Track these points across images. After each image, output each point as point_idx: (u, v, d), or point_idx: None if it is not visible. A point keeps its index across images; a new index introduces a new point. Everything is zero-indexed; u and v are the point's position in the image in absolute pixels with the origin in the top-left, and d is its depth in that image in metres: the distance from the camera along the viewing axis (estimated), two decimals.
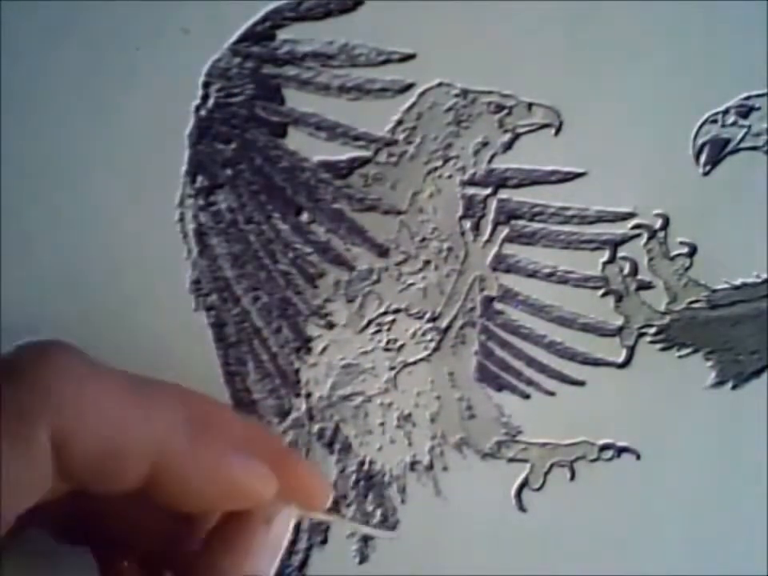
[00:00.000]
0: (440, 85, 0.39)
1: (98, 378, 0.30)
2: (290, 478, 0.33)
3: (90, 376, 0.30)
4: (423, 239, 0.40)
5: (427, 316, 0.40)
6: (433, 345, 0.40)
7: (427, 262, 0.40)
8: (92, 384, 0.30)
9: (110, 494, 0.30)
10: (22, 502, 0.28)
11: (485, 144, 0.40)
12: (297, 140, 0.39)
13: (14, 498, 0.28)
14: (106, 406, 0.29)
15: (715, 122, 0.39)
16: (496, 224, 0.40)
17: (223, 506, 0.32)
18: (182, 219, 0.39)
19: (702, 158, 0.39)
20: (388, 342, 0.40)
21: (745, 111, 0.39)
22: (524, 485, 0.40)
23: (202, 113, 0.39)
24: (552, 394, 0.40)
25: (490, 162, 0.40)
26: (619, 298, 0.40)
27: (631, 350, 0.40)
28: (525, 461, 0.40)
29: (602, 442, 0.40)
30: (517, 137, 0.39)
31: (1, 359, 0.30)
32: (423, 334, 0.40)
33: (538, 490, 0.40)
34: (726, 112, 0.39)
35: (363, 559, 0.40)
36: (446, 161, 0.40)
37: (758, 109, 0.39)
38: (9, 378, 0.29)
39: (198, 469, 0.31)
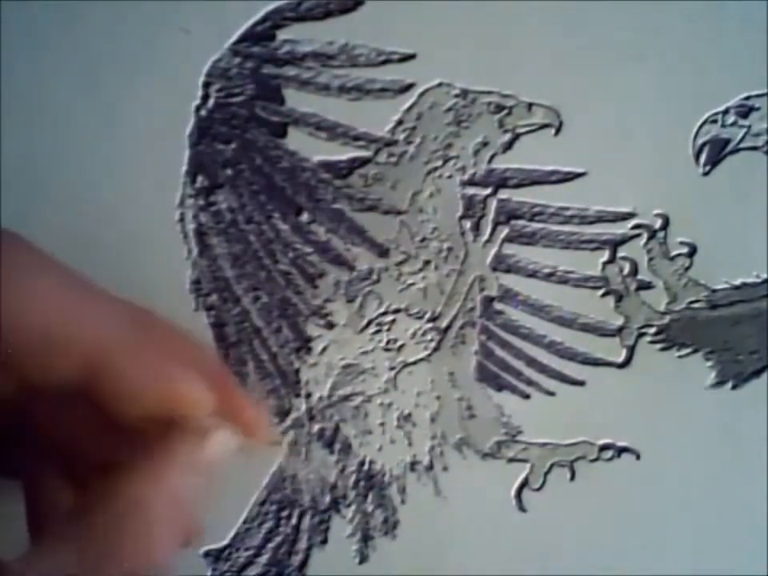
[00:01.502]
0: (440, 85, 0.39)
1: (47, 269, 0.30)
2: (228, 402, 0.33)
3: (38, 266, 0.30)
4: (423, 239, 0.40)
5: (427, 316, 0.40)
6: (433, 345, 0.40)
7: (427, 262, 0.40)
8: (39, 274, 0.30)
9: (49, 385, 0.30)
10: None
11: (485, 144, 0.40)
12: (297, 140, 0.39)
13: None
14: (51, 295, 0.30)
15: (715, 122, 0.39)
16: (496, 224, 0.40)
17: (159, 410, 0.31)
18: (182, 219, 0.39)
19: (702, 158, 0.39)
20: (388, 342, 0.40)
21: (745, 111, 0.39)
22: (524, 485, 0.40)
23: (202, 113, 0.39)
24: (552, 394, 0.40)
25: (490, 162, 0.40)
26: (619, 298, 0.40)
27: (631, 350, 0.40)
28: (525, 461, 0.40)
29: (601, 442, 0.40)
30: (517, 137, 0.39)
31: None
32: (423, 334, 0.40)
33: (538, 490, 0.40)
34: (725, 112, 0.39)
35: (363, 559, 0.40)
36: (446, 161, 0.40)
37: (758, 109, 0.39)
38: None
39: (137, 369, 0.30)
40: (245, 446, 0.34)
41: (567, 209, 0.40)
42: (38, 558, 0.29)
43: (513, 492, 0.40)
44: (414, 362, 0.40)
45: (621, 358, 0.40)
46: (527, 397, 0.40)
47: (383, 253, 0.40)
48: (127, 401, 0.31)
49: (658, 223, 0.40)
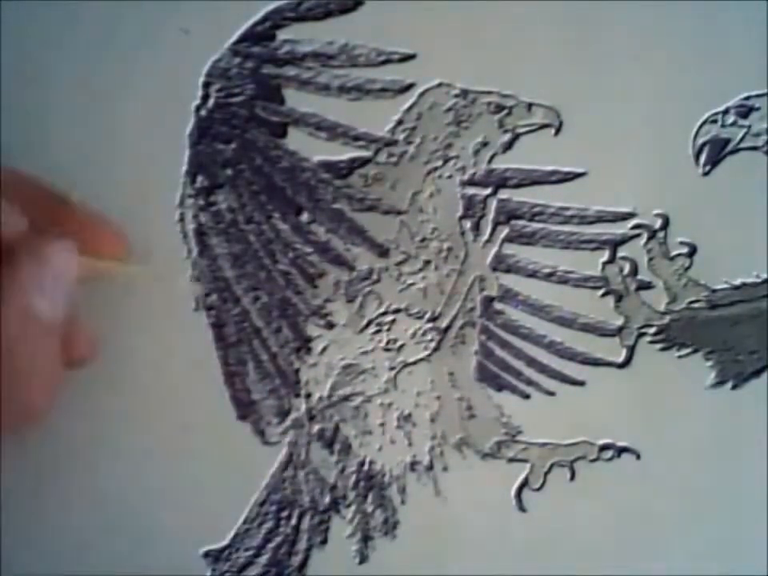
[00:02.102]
0: (440, 85, 0.39)
1: None
2: (67, 222, 0.35)
3: None
4: (423, 239, 0.40)
5: (427, 316, 0.40)
6: (433, 345, 0.40)
7: (427, 262, 0.40)
8: None
9: None
10: None
11: (485, 144, 0.40)
12: (297, 140, 0.39)
13: None
14: None
15: (715, 122, 0.39)
16: (496, 224, 0.40)
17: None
18: (182, 219, 0.39)
19: (702, 158, 0.39)
20: (388, 342, 0.40)
21: (745, 111, 0.39)
22: (524, 485, 0.40)
23: (202, 113, 0.39)
24: (552, 394, 0.40)
25: (490, 162, 0.40)
26: (619, 298, 0.40)
27: (631, 350, 0.40)
28: (525, 461, 0.40)
29: (601, 441, 0.40)
30: (517, 137, 0.39)
31: None
32: (423, 334, 0.40)
33: (538, 490, 0.40)
34: (725, 112, 0.39)
35: (363, 559, 0.40)
36: (446, 161, 0.40)
37: (758, 109, 0.39)
38: None
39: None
40: (94, 264, 0.36)
41: (567, 209, 0.40)
42: None
43: (513, 492, 0.40)
44: (414, 362, 0.40)
45: (621, 358, 0.40)
46: (527, 397, 0.40)
47: (383, 253, 0.40)
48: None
49: (658, 223, 0.40)
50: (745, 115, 0.39)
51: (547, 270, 0.40)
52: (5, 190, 0.33)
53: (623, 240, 0.40)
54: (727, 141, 0.39)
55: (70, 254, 0.34)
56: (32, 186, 0.36)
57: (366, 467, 0.40)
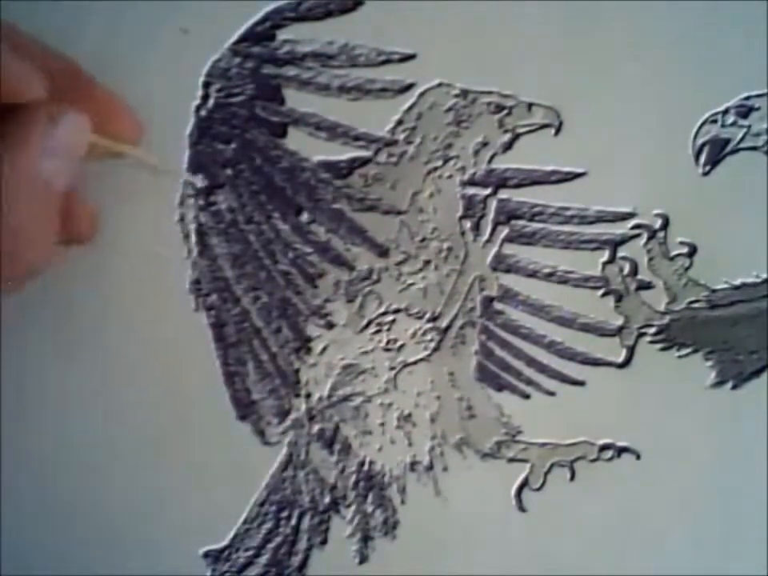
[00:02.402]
0: (440, 85, 0.39)
1: None
2: (87, 95, 0.36)
3: None
4: (423, 239, 0.40)
5: (427, 316, 0.40)
6: (433, 345, 0.40)
7: (427, 262, 0.40)
8: None
9: None
10: None
11: (485, 144, 0.40)
12: (297, 140, 0.39)
13: None
14: None
15: (715, 122, 0.39)
16: (496, 224, 0.40)
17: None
18: (182, 219, 0.39)
19: (702, 158, 0.39)
20: (388, 342, 0.40)
21: (745, 111, 0.39)
22: (524, 485, 0.40)
23: (202, 113, 0.39)
24: (552, 393, 0.40)
25: (490, 162, 0.40)
26: (619, 298, 0.40)
27: (631, 350, 0.40)
28: (525, 461, 0.40)
29: (601, 441, 0.40)
30: (517, 137, 0.39)
31: None
32: (423, 334, 0.40)
33: (538, 490, 0.40)
34: (725, 112, 0.39)
35: (363, 559, 0.40)
36: (446, 161, 0.40)
37: (758, 109, 0.39)
38: None
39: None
40: (106, 143, 0.36)
41: (567, 209, 0.40)
42: None
43: (513, 492, 0.40)
44: (414, 362, 0.40)
45: (621, 358, 0.40)
46: (527, 397, 0.40)
47: (383, 253, 0.40)
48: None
49: (658, 223, 0.40)
50: (745, 115, 0.39)
51: (547, 270, 0.40)
52: (30, 56, 0.34)
53: (623, 240, 0.40)
54: (727, 141, 0.39)
55: (84, 125, 0.35)
56: (56, 57, 0.36)
57: (365, 467, 0.40)
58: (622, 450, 0.40)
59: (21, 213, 0.33)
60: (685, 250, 0.40)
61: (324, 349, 0.40)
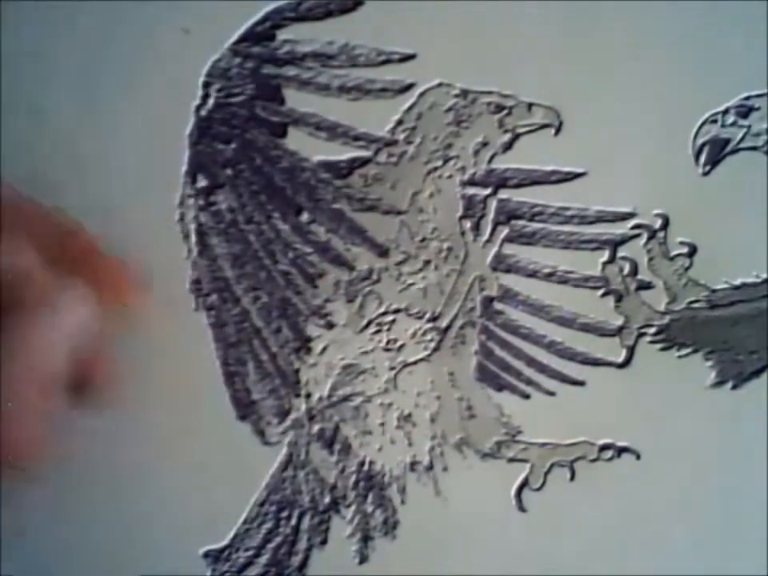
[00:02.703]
0: (440, 85, 0.39)
1: None
2: (82, 258, 0.33)
3: None
4: (423, 239, 0.40)
5: (427, 316, 0.40)
6: (433, 345, 0.40)
7: (427, 262, 0.40)
8: None
9: None
10: None
11: (485, 144, 0.40)
12: (297, 140, 0.39)
13: None
14: None
15: (715, 122, 0.39)
16: (496, 224, 0.40)
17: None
18: (182, 219, 0.39)
19: (702, 158, 0.39)
20: (388, 342, 0.40)
21: (745, 111, 0.39)
22: (524, 485, 0.40)
23: (202, 113, 0.39)
24: (552, 393, 0.40)
25: (490, 162, 0.40)
26: (619, 298, 0.40)
27: (631, 350, 0.40)
28: (525, 461, 0.40)
29: (601, 441, 0.40)
30: (517, 137, 0.39)
31: None
32: (423, 334, 0.40)
33: (538, 489, 0.40)
34: (725, 112, 0.39)
35: (363, 559, 0.40)
36: (446, 161, 0.40)
37: (758, 109, 0.39)
38: None
39: None
40: (106, 309, 0.34)
41: (567, 209, 0.40)
42: None
43: (513, 492, 0.40)
44: (414, 362, 0.40)
45: (621, 358, 0.40)
46: (527, 397, 0.40)
47: (383, 253, 0.40)
48: None
49: (658, 223, 0.40)
50: (745, 115, 0.39)
51: (547, 270, 0.40)
52: (11, 222, 0.32)
53: (623, 240, 0.40)
54: (727, 141, 0.39)
55: (87, 305, 0.32)
56: (41, 216, 0.34)
57: (365, 467, 0.40)
58: (621, 450, 0.40)
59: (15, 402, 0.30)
60: (685, 249, 0.40)
61: (324, 349, 0.40)
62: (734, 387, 0.40)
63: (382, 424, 0.40)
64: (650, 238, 0.40)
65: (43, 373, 0.31)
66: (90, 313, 0.32)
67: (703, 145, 0.39)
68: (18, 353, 0.30)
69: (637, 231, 0.40)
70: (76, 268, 0.33)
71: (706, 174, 0.39)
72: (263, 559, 0.41)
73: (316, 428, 0.40)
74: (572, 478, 0.40)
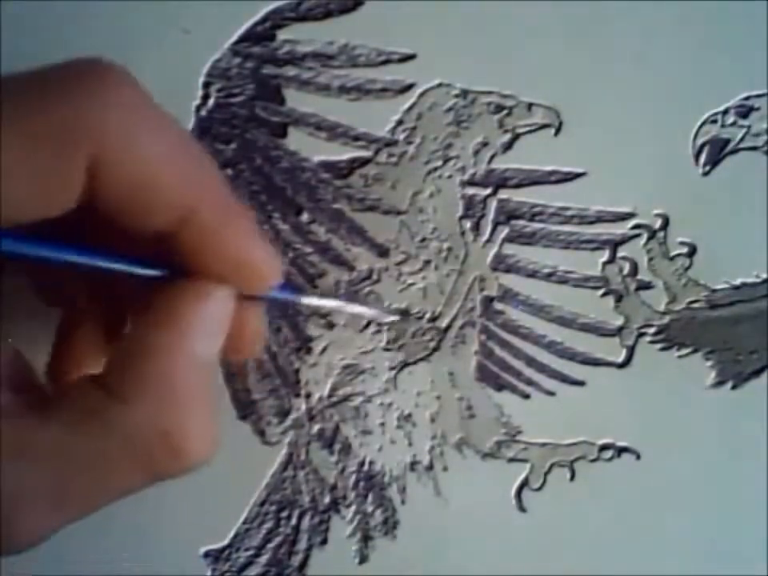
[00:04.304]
0: (440, 85, 0.39)
1: (151, 114, 0.29)
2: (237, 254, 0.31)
3: (143, 109, 0.28)
4: (423, 239, 0.40)
5: (427, 316, 0.40)
6: (433, 345, 0.40)
7: (427, 262, 0.40)
8: (143, 119, 0.28)
9: (135, 231, 0.29)
10: (37, 210, 0.27)
11: (485, 144, 0.40)
12: (297, 140, 0.39)
13: (33, 205, 0.27)
14: (150, 143, 0.28)
15: (715, 122, 0.39)
16: (496, 224, 0.40)
17: (223, 272, 0.30)
18: None
19: (702, 158, 0.39)
20: (388, 342, 0.40)
21: (745, 111, 0.39)
22: (524, 485, 0.40)
23: (202, 113, 0.39)
24: (552, 393, 0.40)
25: (489, 162, 0.40)
26: (619, 298, 0.40)
27: (631, 350, 0.40)
28: (525, 461, 0.40)
29: (601, 441, 0.40)
30: (517, 137, 0.39)
31: (54, 69, 0.30)
32: (423, 334, 0.40)
33: (538, 489, 0.40)
34: (725, 112, 0.39)
35: (363, 559, 0.40)
36: (446, 161, 0.40)
37: (758, 109, 0.39)
38: (60, 92, 0.28)
39: (224, 240, 0.29)
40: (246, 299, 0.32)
41: (567, 209, 0.40)
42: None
43: (513, 492, 0.40)
44: (414, 362, 0.40)
45: (621, 358, 0.40)
46: (527, 397, 0.40)
47: (383, 253, 0.40)
48: (203, 257, 0.29)
49: (658, 223, 0.40)
50: (745, 115, 0.39)
51: (547, 270, 0.40)
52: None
53: (623, 240, 0.40)
54: (727, 141, 0.39)
55: (233, 298, 0.31)
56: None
57: (365, 467, 0.40)
58: (621, 450, 0.40)
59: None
60: (685, 249, 0.40)
61: (324, 349, 0.40)
62: (734, 387, 0.40)
63: (382, 424, 0.40)
64: (649, 238, 0.40)
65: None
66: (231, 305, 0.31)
67: (703, 145, 0.39)
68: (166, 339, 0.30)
69: (637, 231, 0.40)
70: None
71: (706, 174, 0.39)
72: (263, 559, 0.41)
73: (316, 428, 0.40)
74: (572, 478, 0.40)
